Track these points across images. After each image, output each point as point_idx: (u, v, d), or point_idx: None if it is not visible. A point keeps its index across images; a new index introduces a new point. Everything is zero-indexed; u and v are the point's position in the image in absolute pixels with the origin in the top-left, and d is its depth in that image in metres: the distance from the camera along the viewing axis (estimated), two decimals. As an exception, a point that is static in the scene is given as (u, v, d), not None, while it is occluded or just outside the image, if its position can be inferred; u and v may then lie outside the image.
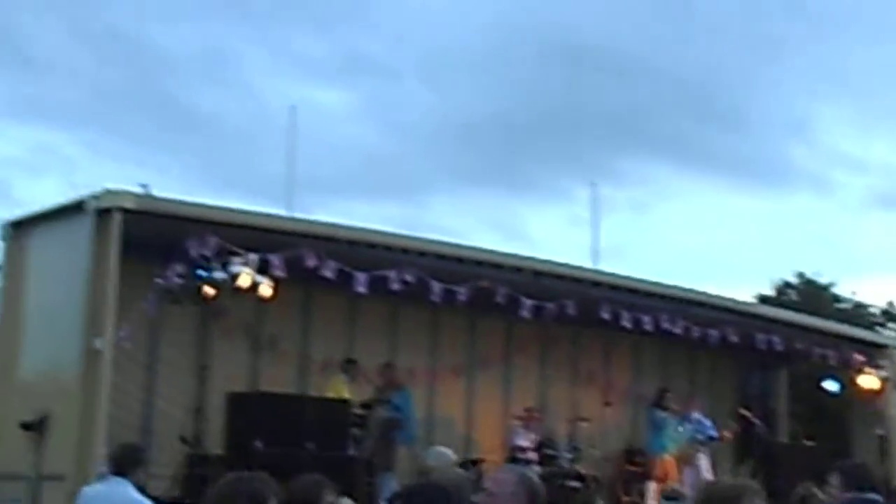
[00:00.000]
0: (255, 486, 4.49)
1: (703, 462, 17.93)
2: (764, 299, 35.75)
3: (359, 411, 14.96)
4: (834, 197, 59.21)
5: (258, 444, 12.98)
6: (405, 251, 14.39)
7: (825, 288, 39.68)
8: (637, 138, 58.10)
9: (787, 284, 40.30)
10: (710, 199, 62.52)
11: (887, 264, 59.70)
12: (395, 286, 14.20)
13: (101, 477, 10.59)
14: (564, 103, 54.85)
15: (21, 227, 13.78)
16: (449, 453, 8.86)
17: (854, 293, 40.01)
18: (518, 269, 15.25)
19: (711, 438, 18.36)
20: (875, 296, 44.16)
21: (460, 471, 8.32)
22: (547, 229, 61.05)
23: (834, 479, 7.45)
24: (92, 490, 8.64)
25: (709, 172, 65.71)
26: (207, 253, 12.73)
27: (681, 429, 18.05)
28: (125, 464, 8.43)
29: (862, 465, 7.63)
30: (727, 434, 18.97)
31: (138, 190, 13.08)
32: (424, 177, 60.63)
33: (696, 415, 18.44)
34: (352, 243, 13.92)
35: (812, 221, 60.55)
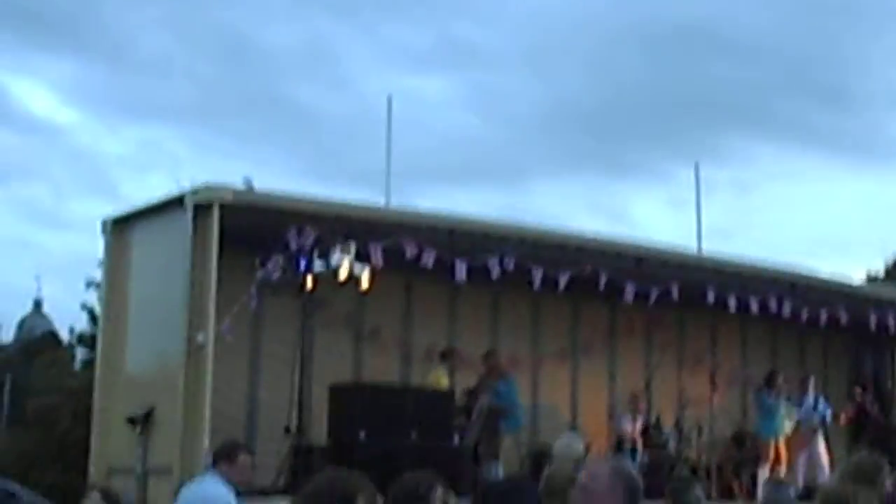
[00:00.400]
0: (345, 486, 4.42)
1: (819, 445, 17.56)
2: (875, 278, 35.13)
3: (463, 400, 14.89)
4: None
5: (362, 435, 12.98)
6: (505, 238, 14.23)
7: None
8: (740, 118, 57.51)
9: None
10: (816, 178, 61.66)
11: None
12: (496, 273, 14.05)
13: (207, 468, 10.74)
14: (665, 86, 54.44)
15: (122, 223, 13.89)
16: (576, 445, 8.66)
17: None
18: (620, 254, 15.01)
19: (825, 421, 17.99)
20: None
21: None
22: (649, 212, 60.69)
23: None
24: (189, 484, 8.84)
25: (814, 151, 64.81)
26: (307, 245, 12.73)
27: (793, 411, 17.69)
28: (216, 457, 8.59)
29: None
30: (843, 417, 18.60)
31: (238, 184, 13.14)
32: (526, 163, 60.56)
33: (811, 397, 18.07)
34: (451, 231, 13.80)
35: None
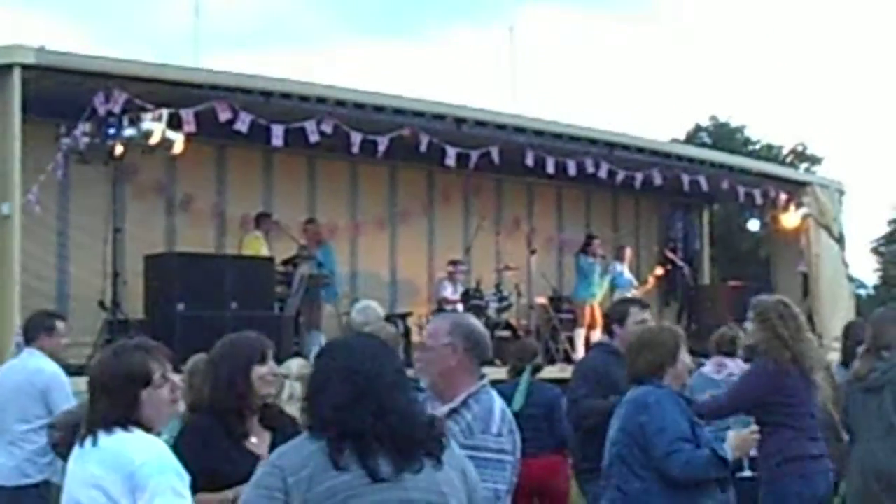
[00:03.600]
0: (134, 361, 4.10)
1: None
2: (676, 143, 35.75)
3: (282, 269, 14.53)
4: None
5: (180, 306, 12.56)
6: (322, 101, 13.76)
7: (737, 130, 39.87)
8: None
9: (699, 128, 40.42)
10: (608, 44, 62.61)
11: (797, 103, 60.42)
12: (313, 138, 13.61)
13: (18, 347, 10.19)
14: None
15: None
16: (374, 306, 8.45)
17: (764, 136, 40.28)
18: (440, 117, 14.70)
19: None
20: (784, 136, 44.70)
21: (389, 326, 7.85)
22: (442, 76, 60.80)
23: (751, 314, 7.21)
24: (7, 365, 8.30)
25: (605, 16, 65.73)
26: (116, 109, 12.06)
27: (606, 275, 17.85)
28: (32, 332, 8.07)
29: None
30: (650, 279, 18.84)
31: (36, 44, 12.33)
32: (321, 30, 59.73)
33: (620, 266, 18.29)
34: (266, 94, 13.25)
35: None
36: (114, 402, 4.00)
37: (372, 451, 3.47)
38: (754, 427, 5.94)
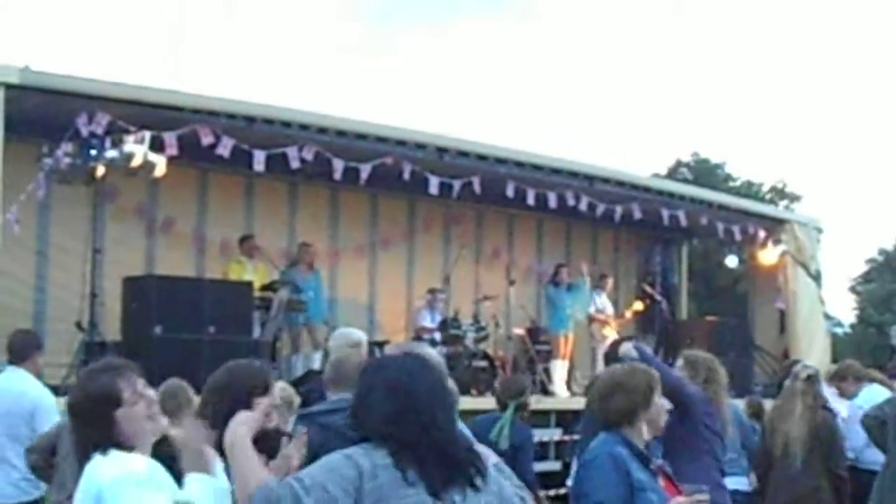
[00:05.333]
0: (102, 383, 4.08)
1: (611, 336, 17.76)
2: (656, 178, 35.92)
3: (260, 293, 14.52)
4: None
5: (157, 329, 12.54)
6: (305, 127, 13.80)
7: (718, 167, 40.11)
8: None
9: (680, 163, 40.63)
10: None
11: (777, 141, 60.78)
12: (295, 164, 13.66)
13: (-1, 367, 10.19)
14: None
15: None
16: (350, 334, 8.38)
17: (744, 173, 40.51)
18: (422, 146, 14.77)
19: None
20: (764, 174, 44.93)
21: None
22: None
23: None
24: None
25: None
26: (98, 131, 12.07)
27: (576, 300, 17.72)
28: (18, 352, 8.04)
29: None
30: (629, 314, 18.90)
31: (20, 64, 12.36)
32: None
33: (604, 293, 18.34)
34: (249, 119, 13.29)
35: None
36: (89, 427, 4.02)
37: (427, 463, 3.62)
38: (702, 497, 5.16)
